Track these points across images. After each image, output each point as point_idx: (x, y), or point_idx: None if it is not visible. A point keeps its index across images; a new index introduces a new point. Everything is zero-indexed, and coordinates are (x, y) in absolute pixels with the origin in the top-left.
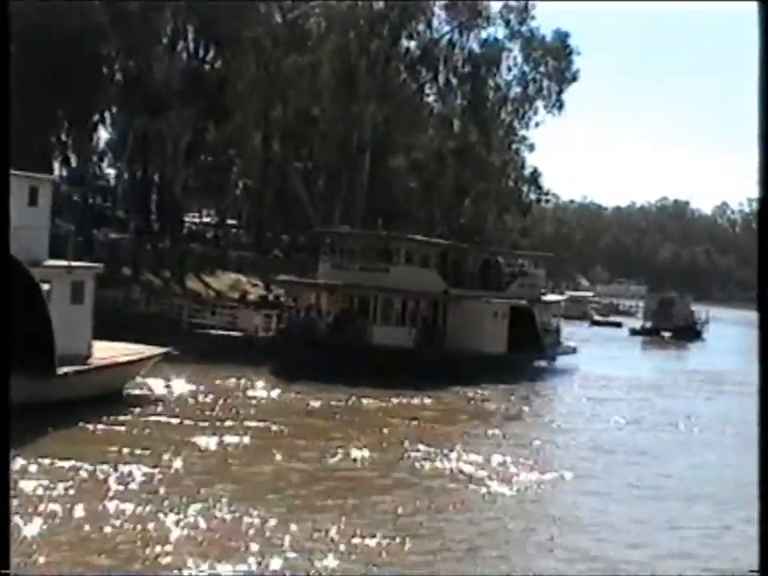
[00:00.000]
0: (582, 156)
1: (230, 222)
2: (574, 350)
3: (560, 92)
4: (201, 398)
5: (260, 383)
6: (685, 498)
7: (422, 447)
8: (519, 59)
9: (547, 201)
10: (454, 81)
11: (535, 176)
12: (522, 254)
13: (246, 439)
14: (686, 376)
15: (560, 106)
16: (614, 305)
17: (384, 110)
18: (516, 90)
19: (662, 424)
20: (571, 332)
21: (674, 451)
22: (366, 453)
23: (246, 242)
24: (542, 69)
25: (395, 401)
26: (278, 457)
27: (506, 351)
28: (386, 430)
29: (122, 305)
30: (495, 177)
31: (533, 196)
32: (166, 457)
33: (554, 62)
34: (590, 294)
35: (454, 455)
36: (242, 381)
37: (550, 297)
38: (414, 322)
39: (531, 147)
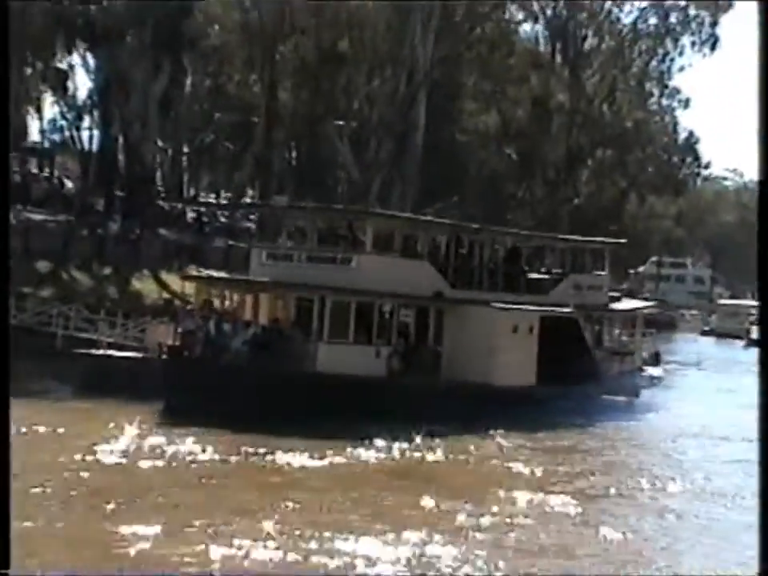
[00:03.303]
0: None
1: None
2: (656, 381)
3: (714, 23)
4: None
5: (118, 433)
6: None
7: (316, 539)
8: None
9: (707, 178)
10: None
11: (692, 143)
12: (578, 241)
13: (40, 523)
14: None
15: (713, 42)
16: None
17: (448, 41)
18: (652, 21)
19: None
20: (711, 355)
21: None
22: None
23: (244, 227)
24: None
25: (332, 460)
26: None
27: (535, 383)
28: (288, 508)
29: None
30: (628, 142)
31: (689, 171)
32: None
33: None
34: (754, 303)
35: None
36: (91, 429)
37: (624, 304)
38: (386, 338)
39: (685, 103)
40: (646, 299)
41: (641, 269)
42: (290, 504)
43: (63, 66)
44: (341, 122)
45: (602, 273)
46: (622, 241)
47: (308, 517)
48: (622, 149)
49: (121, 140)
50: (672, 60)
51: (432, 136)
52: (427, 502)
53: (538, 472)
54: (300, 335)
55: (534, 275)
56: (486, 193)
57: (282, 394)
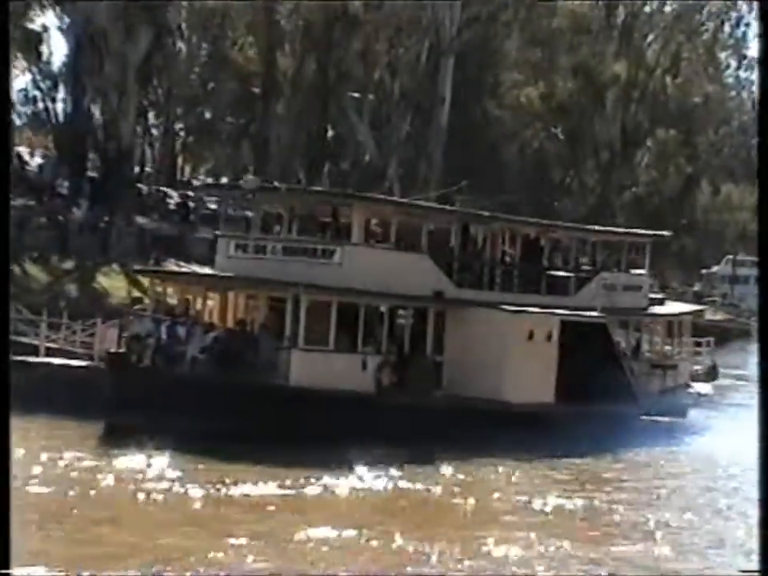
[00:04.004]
0: None
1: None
2: (705, 399)
3: None
4: None
5: (46, 458)
6: None
7: None
8: None
9: None
10: None
11: None
12: (612, 233)
13: None
14: None
15: None
16: None
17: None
18: None
19: None
20: None
21: None
22: None
23: (239, 215)
24: None
25: (302, 491)
26: None
27: (554, 401)
28: (234, 549)
29: None
30: (696, 121)
31: None
32: None
33: None
34: None
35: None
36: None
37: (668, 308)
38: (375, 346)
39: None
40: (713, 303)
41: (714, 269)
42: (237, 543)
43: (35, 26)
44: (356, 95)
45: (641, 271)
46: (665, 233)
47: (252, 559)
48: (689, 129)
49: (98, 114)
50: (747, 24)
51: (460, 112)
52: (406, 542)
53: (552, 508)
54: (270, 341)
55: (558, 273)
56: (528, 178)
57: (246, 411)
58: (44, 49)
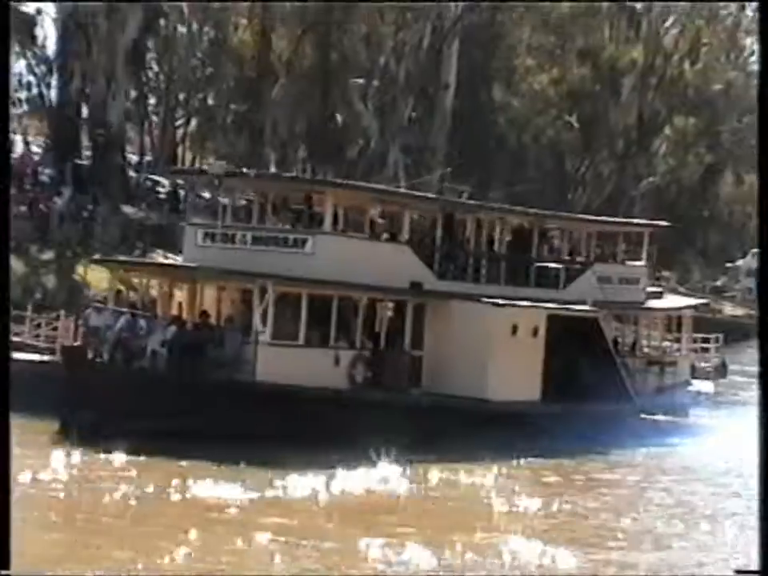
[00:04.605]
0: None
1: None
2: (705, 397)
3: None
4: None
5: None
6: None
7: None
8: None
9: None
10: None
11: None
12: (607, 222)
13: None
14: None
15: None
16: None
17: None
18: None
19: None
20: None
21: None
22: None
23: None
24: None
25: (264, 493)
26: None
27: (540, 399)
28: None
29: None
30: (717, 109)
31: None
32: None
33: None
34: None
35: None
36: None
37: (667, 301)
38: (349, 340)
39: None
40: (733, 297)
41: (739, 262)
42: (185, 549)
43: (28, 8)
44: (359, 80)
45: (638, 263)
46: (664, 223)
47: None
48: (710, 117)
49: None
50: None
51: (467, 99)
52: (375, 547)
53: (535, 511)
54: (236, 335)
55: (548, 264)
56: (541, 167)
57: (207, 409)
58: (39, 33)
